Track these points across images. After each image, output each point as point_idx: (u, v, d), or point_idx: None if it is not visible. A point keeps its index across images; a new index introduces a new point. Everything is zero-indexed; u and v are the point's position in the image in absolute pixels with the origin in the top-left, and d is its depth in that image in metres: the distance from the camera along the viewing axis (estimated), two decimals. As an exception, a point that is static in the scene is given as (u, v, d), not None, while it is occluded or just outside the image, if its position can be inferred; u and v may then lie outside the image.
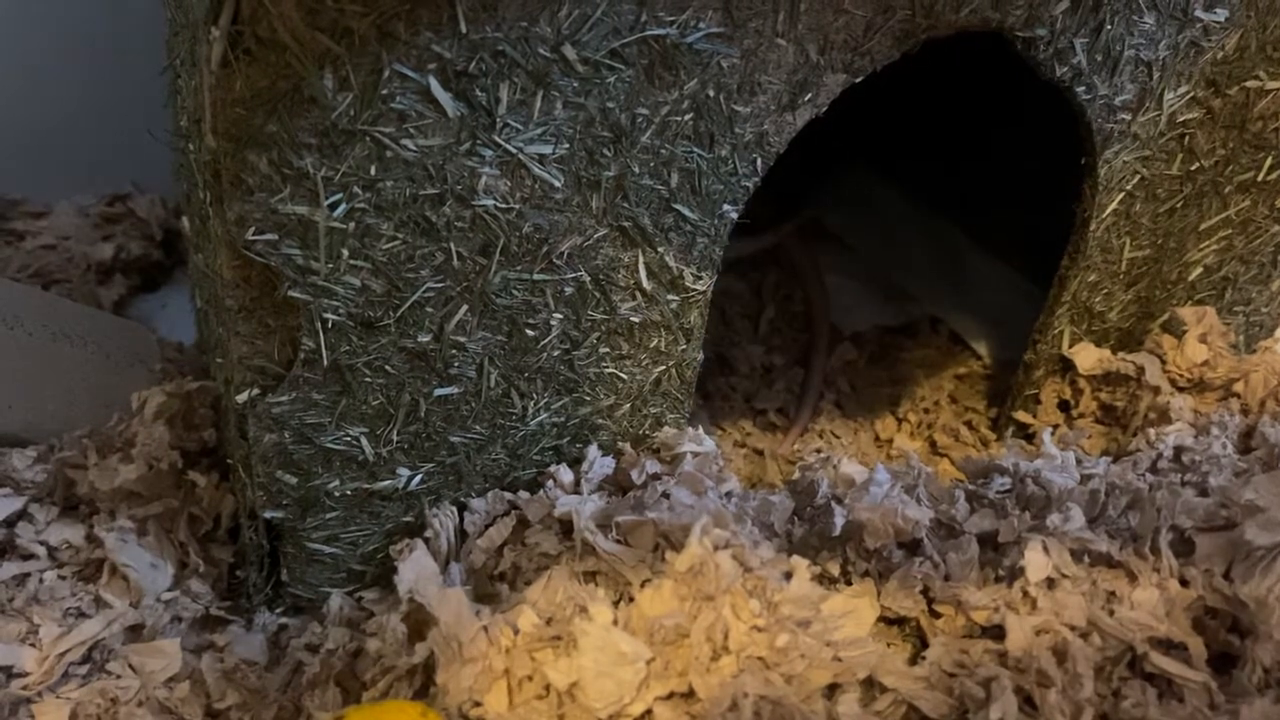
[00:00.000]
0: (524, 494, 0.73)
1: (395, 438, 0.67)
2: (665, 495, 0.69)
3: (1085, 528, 0.67)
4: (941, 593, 0.66)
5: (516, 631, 0.61)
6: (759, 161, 0.66)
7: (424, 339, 0.64)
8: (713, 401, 0.97)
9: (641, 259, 0.67)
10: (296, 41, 0.51)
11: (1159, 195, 0.81)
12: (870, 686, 0.61)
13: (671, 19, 0.59)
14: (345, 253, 0.59)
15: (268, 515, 0.68)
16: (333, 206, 0.57)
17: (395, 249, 0.60)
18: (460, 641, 0.61)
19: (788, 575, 0.65)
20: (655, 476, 0.72)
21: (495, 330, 0.66)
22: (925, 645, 0.65)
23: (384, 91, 0.54)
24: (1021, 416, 0.91)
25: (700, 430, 0.77)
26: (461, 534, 0.72)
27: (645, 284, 0.68)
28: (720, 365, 1.00)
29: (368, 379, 0.64)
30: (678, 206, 0.66)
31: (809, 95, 0.65)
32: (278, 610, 0.74)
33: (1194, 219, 0.84)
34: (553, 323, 0.67)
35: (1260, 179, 0.84)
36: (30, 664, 0.66)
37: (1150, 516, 0.67)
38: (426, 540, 0.70)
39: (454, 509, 0.72)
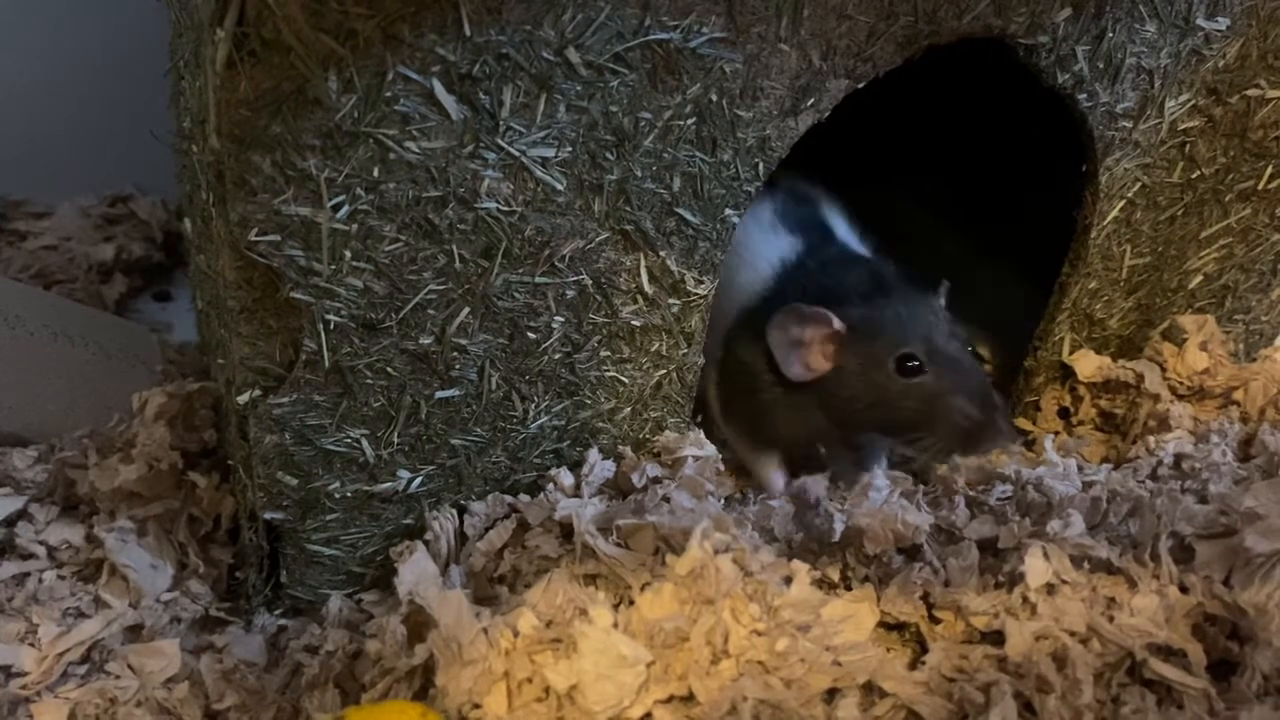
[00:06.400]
0: (524, 497, 0.73)
1: (396, 440, 0.67)
2: (666, 499, 0.69)
3: (1085, 534, 0.67)
4: (941, 598, 0.66)
5: (516, 634, 0.61)
6: (761, 166, 0.66)
7: (425, 341, 0.64)
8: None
9: (643, 263, 0.67)
10: (301, 43, 0.52)
11: (1160, 203, 0.81)
12: (870, 691, 0.61)
13: (675, 24, 0.59)
14: (348, 254, 0.59)
15: (268, 516, 0.68)
16: (336, 208, 0.57)
17: (398, 251, 0.60)
18: (460, 643, 0.61)
19: (788, 580, 0.65)
20: (656, 480, 0.72)
21: (497, 333, 0.66)
22: (925, 650, 0.65)
23: (388, 94, 0.55)
24: (1022, 423, 0.91)
25: (701, 434, 0.77)
26: (461, 537, 0.72)
27: (647, 288, 0.68)
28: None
29: (369, 381, 0.64)
30: (680, 210, 0.66)
31: (811, 100, 0.65)
32: (277, 612, 0.74)
33: (1194, 227, 0.84)
34: (554, 326, 0.67)
35: (1261, 187, 0.84)
36: (29, 664, 0.66)
37: (1150, 523, 0.67)
38: (426, 543, 0.70)
39: (454, 512, 0.72)
